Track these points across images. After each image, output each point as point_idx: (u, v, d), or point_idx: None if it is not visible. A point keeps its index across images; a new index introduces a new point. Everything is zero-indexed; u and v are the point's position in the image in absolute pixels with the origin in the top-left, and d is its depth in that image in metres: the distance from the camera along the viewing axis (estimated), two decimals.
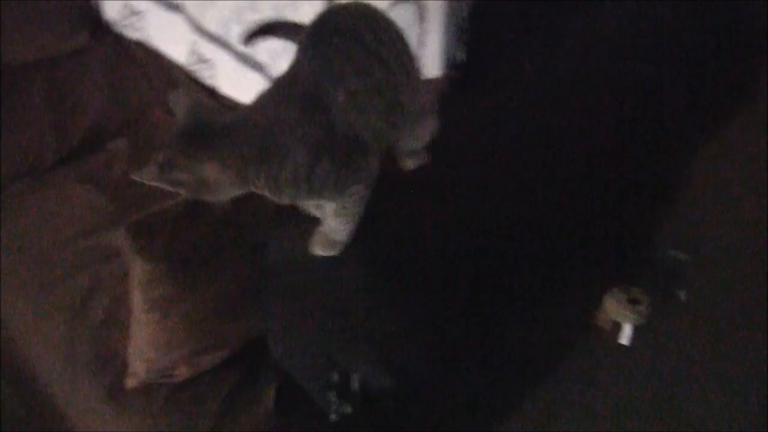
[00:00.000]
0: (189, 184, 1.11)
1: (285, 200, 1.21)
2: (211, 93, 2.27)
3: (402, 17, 1.66)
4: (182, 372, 1.53)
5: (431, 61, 1.67)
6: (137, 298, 1.38)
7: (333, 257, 1.31)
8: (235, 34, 2.13)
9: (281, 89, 1.20)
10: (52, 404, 1.76)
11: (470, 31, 1.66)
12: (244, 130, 1.14)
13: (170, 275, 1.31)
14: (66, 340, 1.71)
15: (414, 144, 1.42)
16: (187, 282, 1.33)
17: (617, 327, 2.34)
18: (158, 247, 1.29)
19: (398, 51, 1.25)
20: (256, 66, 2.10)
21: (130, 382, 1.57)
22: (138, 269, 1.32)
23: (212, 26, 2.20)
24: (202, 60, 2.29)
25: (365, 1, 1.35)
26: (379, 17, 1.29)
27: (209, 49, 2.24)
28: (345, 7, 1.32)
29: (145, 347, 1.48)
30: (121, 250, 1.32)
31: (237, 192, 1.17)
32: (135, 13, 2.50)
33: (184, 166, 1.10)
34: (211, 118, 1.14)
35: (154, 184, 1.12)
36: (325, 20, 1.26)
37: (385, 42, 1.23)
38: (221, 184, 1.13)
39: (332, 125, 1.17)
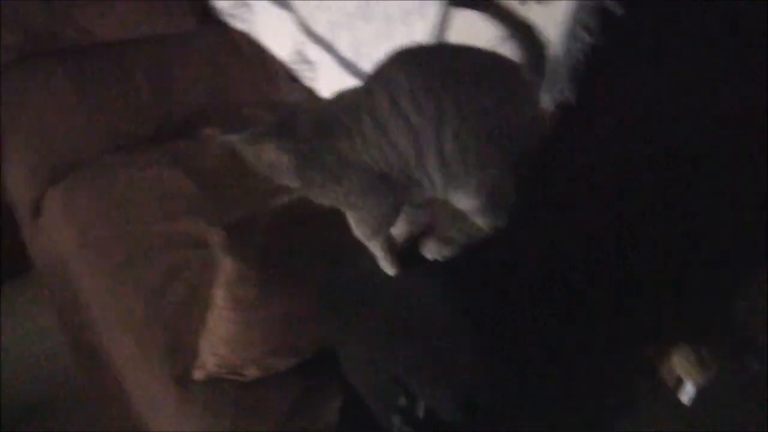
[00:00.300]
0: (261, 164, 1.17)
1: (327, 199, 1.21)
2: (310, 94, 2.28)
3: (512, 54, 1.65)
4: (251, 372, 1.53)
5: (543, 97, 1.65)
6: (221, 295, 1.39)
7: (417, 278, 1.30)
8: (342, 39, 2.14)
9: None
10: (120, 385, 1.79)
11: (583, 72, 1.62)
12: (306, 121, 1.16)
13: (259, 278, 1.32)
14: (140, 322, 1.73)
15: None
16: (273, 286, 1.34)
17: (680, 383, 2.28)
18: (251, 250, 1.30)
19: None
20: (359, 74, 2.10)
21: (198, 374, 1.58)
22: (228, 268, 1.33)
23: (320, 29, 2.22)
24: (306, 61, 2.30)
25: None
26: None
27: (314, 51, 2.25)
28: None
29: (220, 343, 1.49)
30: (212, 247, 1.33)
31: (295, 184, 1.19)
32: (244, 3, 2.53)
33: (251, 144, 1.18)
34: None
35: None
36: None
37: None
38: (282, 169, 1.16)
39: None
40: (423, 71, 1.11)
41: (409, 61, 1.13)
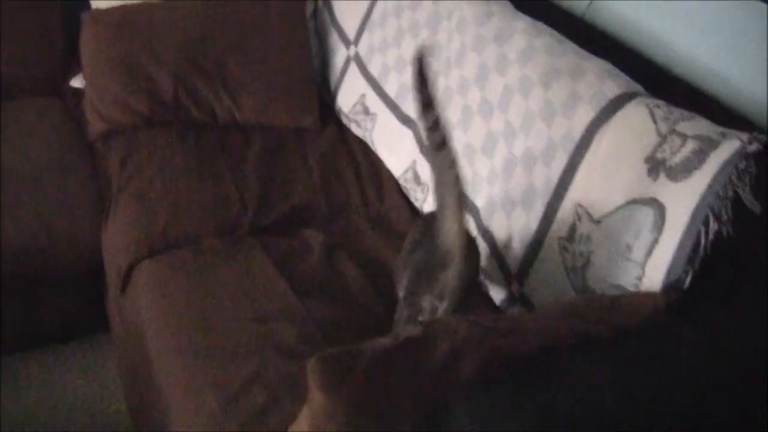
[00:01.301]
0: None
1: None
2: (411, 212, 2.31)
3: (636, 219, 1.62)
4: None
5: (653, 273, 1.61)
6: (304, 425, 1.36)
7: None
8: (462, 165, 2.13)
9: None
10: None
11: (704, 259, 1.57)
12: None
13: (346, 420, 1.28)
14: (213, 421, 1.69)
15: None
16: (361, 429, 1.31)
17: None
18: (345, 390, 1.27)
19: None
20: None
21: None
22: (316, 401, 1.29)
23: None
24: (418, 181, 2.31)
25: None
26: None
27: (427, 175, 2.25)
28: None
29: None
30: (307, 379, 1.30)
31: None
32: (367, 112, 2.56)
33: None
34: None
35: None
36: None
37: None
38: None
39: None
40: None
41: None
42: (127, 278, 2.19)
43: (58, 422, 2.36)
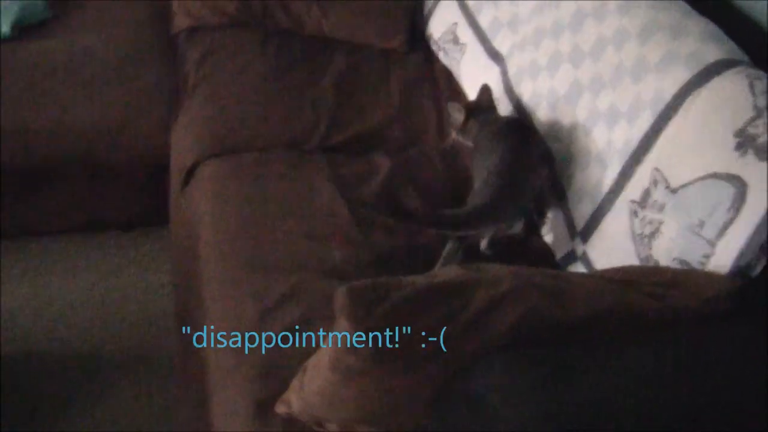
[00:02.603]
0: None
1: None
2: None
3: (714, 194, 1.52)
4: (332, 429, 1.46)
5: (722, 254, 1.50)
6: (327, 355, 1.33)
7: None
8: (541, 109, 2.07)
9: None
10: (205, 379, 1.75)
11: None
12: None
13: (370, 353, 1.24)
14: (245, 330, 1.69)
15: None
16: (383, 365, 1.27)
17: None
18: (370, 322, 1.23)
19: None
20: None
21: (280, 408, 1.51)
22: (340, 331, 1.26)
23: (525, 96, 2.14)
24: None
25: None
26: None
27: (507, 112, 2.19)
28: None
29: (311, 393, 1.42)
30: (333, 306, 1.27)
31: None
32: (457, 42, 2.49)
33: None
34: None
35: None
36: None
37: None
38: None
39: None
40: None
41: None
42: (189, 176, 2.20)
43: (106, 306, 2.43)
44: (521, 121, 2.03)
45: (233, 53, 2.47)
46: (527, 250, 1.95)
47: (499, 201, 1.76)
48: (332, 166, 2.15)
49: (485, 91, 2.04)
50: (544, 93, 2.05)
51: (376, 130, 2.31)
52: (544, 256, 1.96)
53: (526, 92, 2.12)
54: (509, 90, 2.20)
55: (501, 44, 2.28)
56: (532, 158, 1.88)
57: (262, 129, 2.25)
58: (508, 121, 2.01)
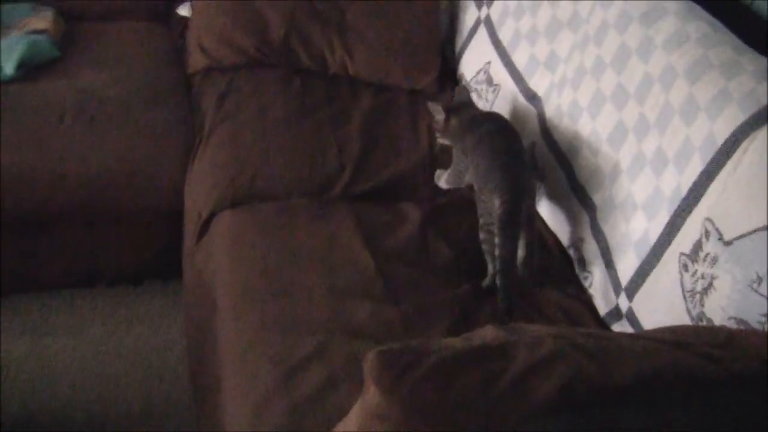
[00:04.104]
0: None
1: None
2: None
3: None
4: None
5: None
6: (355, 421, 1.31)
7: None
8: (579, 160, 2.07)
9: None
10: None
11: None
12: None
13: (400, 420, 1.23)
14: (263, 393, 1.68)
15: None
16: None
17: None
18: (402, 389, 1.21)
19: None
20: (583, 201, 2.05)
21: None
22: (370, 396, 1.24)
23: (565, 140, 2.15)
24: (535, 166, 2.25)
25: None
26: None
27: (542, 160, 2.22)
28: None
29: None
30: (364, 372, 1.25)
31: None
32: (491, 82, 2.50)
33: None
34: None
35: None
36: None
37: None
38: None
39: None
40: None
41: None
42: (205, 226, 2.19)
43: (112, 366, 2.40)
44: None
45: (253, 94, 2.48)
46: (569, 307, 1.94)
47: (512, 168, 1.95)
48: (357, 215, 2.14)
49: (463, 90, 2.29)
50: (584, 136, 2.05)
51: (405, 177, 2.31)
52: (586, 313, 1.94)
53: (566, 135, 2.12)
54: (546, 133, 2.20)
55: (538, 84, 2.29)
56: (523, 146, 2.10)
57: (284, 176, 2.24)
58: (491, 113, 2.30)
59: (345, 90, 2.58)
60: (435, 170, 2.29)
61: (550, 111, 2.20)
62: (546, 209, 2.17)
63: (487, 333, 1.32)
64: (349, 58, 2.61)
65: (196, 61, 2.63)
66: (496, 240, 1.86)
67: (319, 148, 2.34)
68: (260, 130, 2.37)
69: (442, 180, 2.24)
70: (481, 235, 1.95)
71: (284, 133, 2.36)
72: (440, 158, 2.29)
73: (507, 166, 1.95)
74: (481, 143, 2.03)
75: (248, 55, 2.59)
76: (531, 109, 2.29)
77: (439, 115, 2.15)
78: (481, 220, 1.96)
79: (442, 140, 2.21)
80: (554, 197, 2.14)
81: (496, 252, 1.86)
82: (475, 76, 2.56)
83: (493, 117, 2.19)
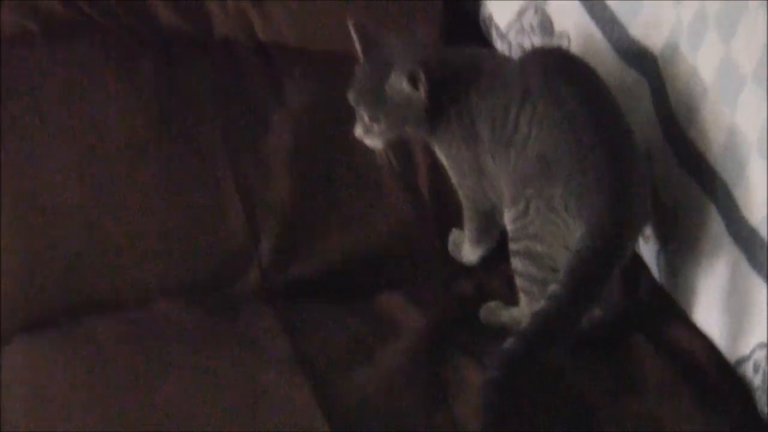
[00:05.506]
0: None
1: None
2: None
3: None
4: None
5: None
6: None
7: None
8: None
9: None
10: None
11: None
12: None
13: None
14: None
15: None
16: None
17: None
18: None
19: None
20: None
21: None
22: None
23: (701, 145, 1.60)
24: None
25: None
26: None
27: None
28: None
29: None
30: None
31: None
32: (549, 32, 1.83)
33: None
34: None
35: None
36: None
37: None
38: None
39: None
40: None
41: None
42: None
43: None
44: None
45: (65, 96, 1.64)
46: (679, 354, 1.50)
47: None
48: (292, 329, 1.47)
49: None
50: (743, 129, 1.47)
51: (386, 246, 1.64)
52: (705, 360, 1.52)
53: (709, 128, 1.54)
54: (668, 125, 1.61)
55: (649, 32, 1.68)
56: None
57: (134, 263, 1.57)
58: (543, 52, 1.73)
59: (252, 72, 1.75)
60: (447, 232, 1.64)
61: (672, 80, 1.61)
62: None
63: None
64: (255, 9, 1.76)
65: None
66: (555, 288, 1.37)
67: (206, 200, 1.63)
68: (86, 173, 1.62)
69: (467, 247, 1.59)
70: (518, 263, 1.48)
71: (132, 176, 1.62)
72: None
73: (607, 170, 1.40)
74: (547, 121, 1.42)
75: (52, 17, 1.70)
76: (634, 77, 1.64)
77: (407, 87, 1.42)
78: (515, 246, 1.49)
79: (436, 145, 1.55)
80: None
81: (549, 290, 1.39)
82: (515, 22, 1.80)
83: (554, 65, 1.49)
